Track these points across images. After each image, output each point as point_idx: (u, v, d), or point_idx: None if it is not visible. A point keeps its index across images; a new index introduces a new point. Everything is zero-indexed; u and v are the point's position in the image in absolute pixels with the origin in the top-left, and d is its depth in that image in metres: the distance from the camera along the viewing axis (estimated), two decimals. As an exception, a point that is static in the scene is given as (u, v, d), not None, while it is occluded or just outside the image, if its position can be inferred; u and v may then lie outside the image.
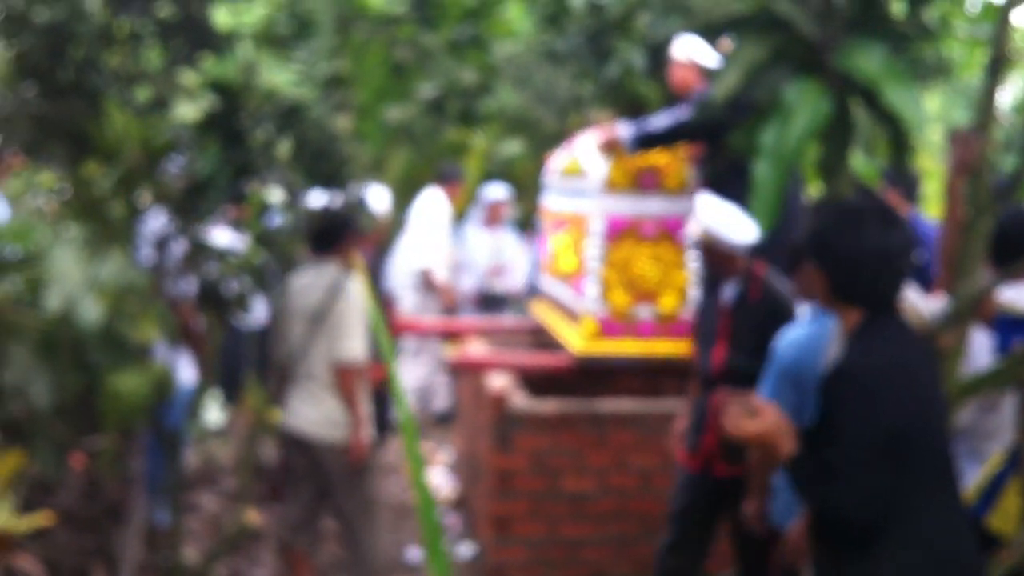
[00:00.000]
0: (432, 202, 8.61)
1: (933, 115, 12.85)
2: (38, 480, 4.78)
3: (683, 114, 5.30)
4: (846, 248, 2.65)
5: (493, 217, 8.93)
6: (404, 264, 8.47)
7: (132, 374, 3.86)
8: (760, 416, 2.71)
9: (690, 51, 5.59)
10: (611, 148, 5.50)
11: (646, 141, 5.38)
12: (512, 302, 8.87)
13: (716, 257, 4.50)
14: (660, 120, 5.37)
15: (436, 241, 8.45)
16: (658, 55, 9.09)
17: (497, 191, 8.99)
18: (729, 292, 4.54)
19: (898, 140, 2.83)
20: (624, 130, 5.42)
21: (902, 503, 2.60)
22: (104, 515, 4.80)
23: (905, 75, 2.66)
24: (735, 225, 4.42)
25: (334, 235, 4.87)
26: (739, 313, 4.51)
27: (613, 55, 9.44)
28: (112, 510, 4.88)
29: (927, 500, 2.65)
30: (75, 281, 3.72)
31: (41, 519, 3.96)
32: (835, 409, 2.62)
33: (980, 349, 3.66)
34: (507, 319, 8.16)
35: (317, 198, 4.95)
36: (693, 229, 4.50)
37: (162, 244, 4.43)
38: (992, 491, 3.48)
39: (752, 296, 4.49)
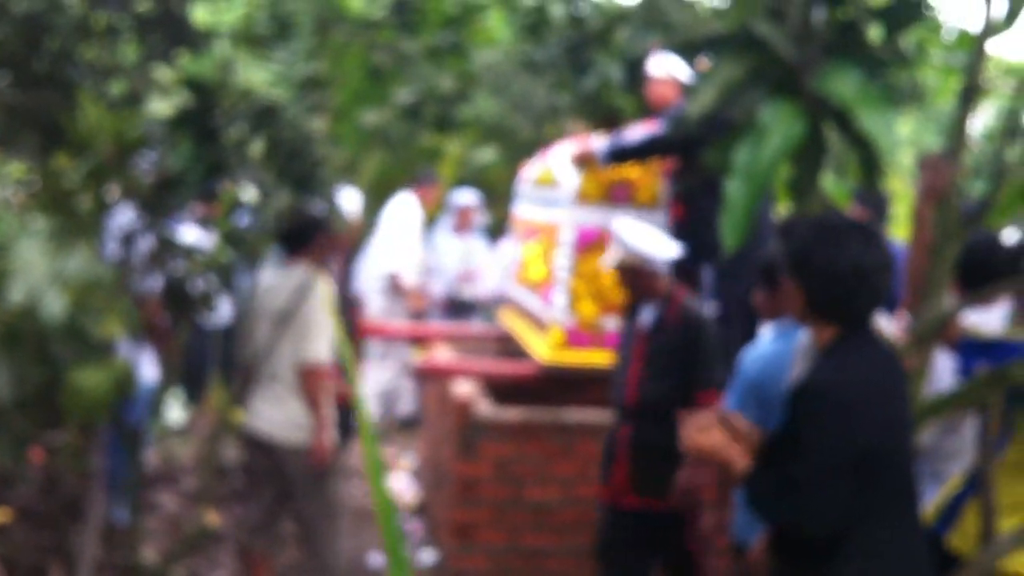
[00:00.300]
0: (404, 206, 8.59)
1: (905, 139, 12.95)
2: (-4, 474, 4.74)
3: (658, 129, 5.32)
4: (825, 263, 2.65)
5: (463, 223, 8.92)
6: (373, 267, 8.45)
7: (94, 369, 3.83)
8: (711, 431, 2.72)
9: (668, 67, 5.61)
10: (585, 161, 5.51)
11: (620, 155, 5.39)
12: (480, 308, 8.87)
13: (638, 279, 4.44)
14: (634, 134, 5.39)
15: (406, 245, 8.43)
16: (636, 69, 9.13)
17: (466, 196, 8.98)
18: (647, 316, 4.48)
19: (869, 163, 2.85)
20: (598, 143, 5.44)
21: (864, 520, 2.61)
22: (62, 512, 4.75)
23: (880, 100, 2.68)
24: (656, 244, 4.39)
25: (304, 236, 4.86)
26: (655, 338, 4.44)
27: (591, 67, 9.48)
28: (71, 507, 4.84)
29: (888, 518, 2.67)
30: (40, 274, 3.69)
31: (-2, 514, 3.92)
32: (804, 423, 2.63)
33: (943, 371, 3.70)
34: (475, 326, 8.15)
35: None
36: (613, 253, 4.47)
37: (129, 239, 4.40)
38: (952, 511, 3.51)
39: (670, 320, 4.43)
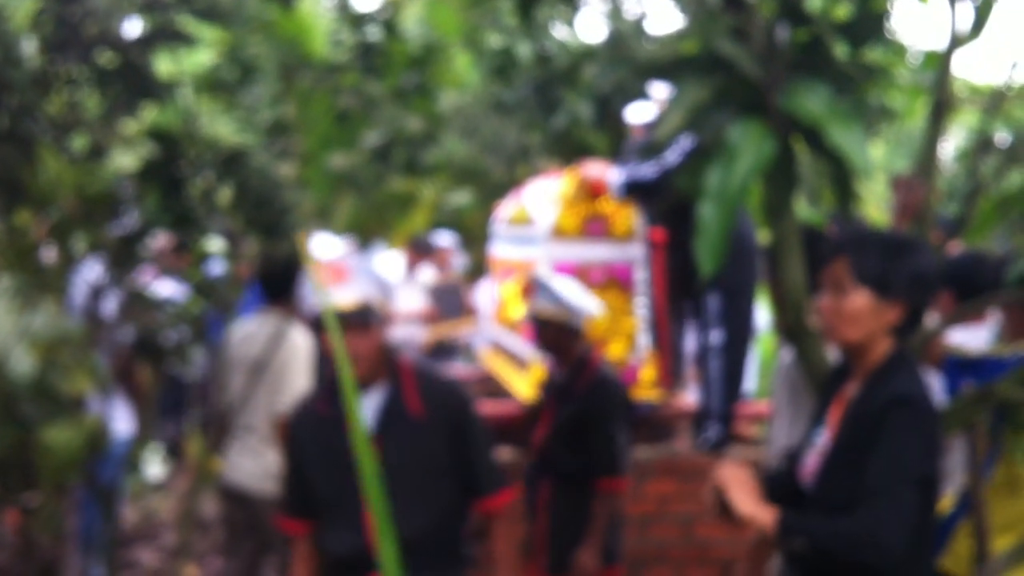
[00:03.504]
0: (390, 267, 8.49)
1: (877, 164, 13.01)
2: (-33, 539, 4.63)
3: (669, 159, 5.21)
4: (925, 273, 2.57)
5: (441, 264, 8.87)
6: None
7: (65, 427, 3.76)
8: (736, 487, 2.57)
9: (644, 114, 5.65)
10: (594, 189, 5.44)
11: (635, 188, 5.29)
12: (462, 351, 8.80)
13: (560, 336, 4.26)
14: (647, 169, 5.28)
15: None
16: (605, 106, 9.16)
17: (443, 238, 8.94)
18: (557, 378, 4.34)
19: (842, 182, 2.81)
20: (613, 175, 5.33)
21: (917, 550, 2.54)
22: (38, 573, 4.63)
23: (849, 116, 2.64)
24: (583, 300, 4.24)
25: (282, 284, 4.79)
26: (564, 404, 4.26)
27: (560, 106, 9.51)
28: (46, 568, 4.72)
29: (929, 553, 2.63)
30: (6, 332, 3.63)
31: (-31, 579, 3.83)
32: (888, 435, 2.50)
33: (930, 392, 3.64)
34: (456, 367, 8.08)
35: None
36: (537, 304, 4.27)
37: (98, 294, 4.33)
38: (943, 533, 3.45)
39: (578, 386, 4.25)
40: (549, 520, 4.26)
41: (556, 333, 4.22)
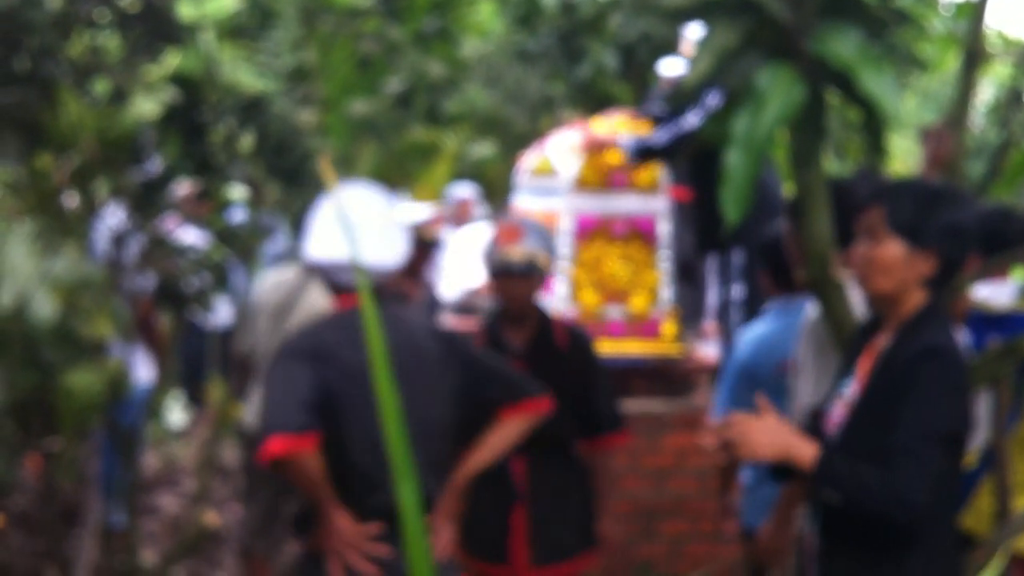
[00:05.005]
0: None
1: (905, 117, 12.88)
2: (-10, 482, 4.66)
3: (686, 122, 5.10)
4: (963, 224, 2.51)
5: (462, 216, 8.78)
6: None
7: (86, 372, 3.76)
8: (766, 428, 2.53)
9: (676, 68, 5.64)
10: (601, 148, 5.37)
11: (649, 153, 5.18)
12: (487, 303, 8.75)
13: (535, 286, 3.64)
14: (661, 133, 5.16)
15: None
16: (630, 55, 9.08)
17: (463, 189, 8.86)
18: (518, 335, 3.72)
19: (872, 131, 2.75)
20: (626, 139, 5.24)
21: (942, 511, 2.52)
22: (59, 517, 4.68)
23: (881, 60, 2.59)
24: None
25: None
26: (542, 367, 3.51)
27: (585, 55, 9.42)
28: (67, 512, 4.77)
29: (953, 513, 2.61)
30: (28, 276, 3.62)
31: (-8, 521, 3.86)
32: (917, 389, 2.48)
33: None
34: (477, 320, 8.05)
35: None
36: (521, 247, 3.56)
37: (120, 239, 4.32)
38: (966, 490, 3.42)
39: (559, 343, 3.69)
40: (529, 504, 3.67)
41: (537, 284, 3.63)
